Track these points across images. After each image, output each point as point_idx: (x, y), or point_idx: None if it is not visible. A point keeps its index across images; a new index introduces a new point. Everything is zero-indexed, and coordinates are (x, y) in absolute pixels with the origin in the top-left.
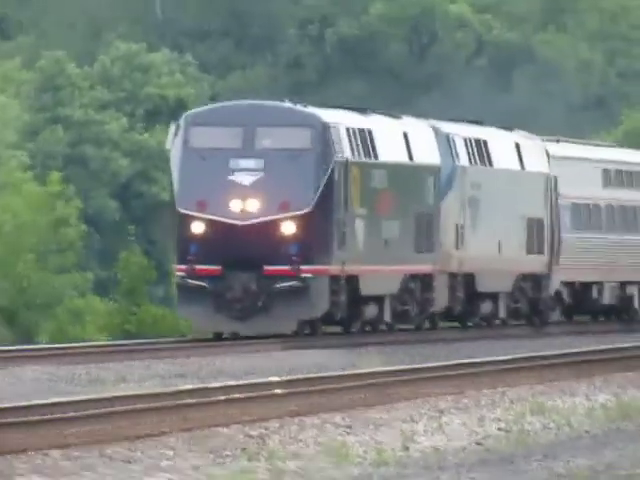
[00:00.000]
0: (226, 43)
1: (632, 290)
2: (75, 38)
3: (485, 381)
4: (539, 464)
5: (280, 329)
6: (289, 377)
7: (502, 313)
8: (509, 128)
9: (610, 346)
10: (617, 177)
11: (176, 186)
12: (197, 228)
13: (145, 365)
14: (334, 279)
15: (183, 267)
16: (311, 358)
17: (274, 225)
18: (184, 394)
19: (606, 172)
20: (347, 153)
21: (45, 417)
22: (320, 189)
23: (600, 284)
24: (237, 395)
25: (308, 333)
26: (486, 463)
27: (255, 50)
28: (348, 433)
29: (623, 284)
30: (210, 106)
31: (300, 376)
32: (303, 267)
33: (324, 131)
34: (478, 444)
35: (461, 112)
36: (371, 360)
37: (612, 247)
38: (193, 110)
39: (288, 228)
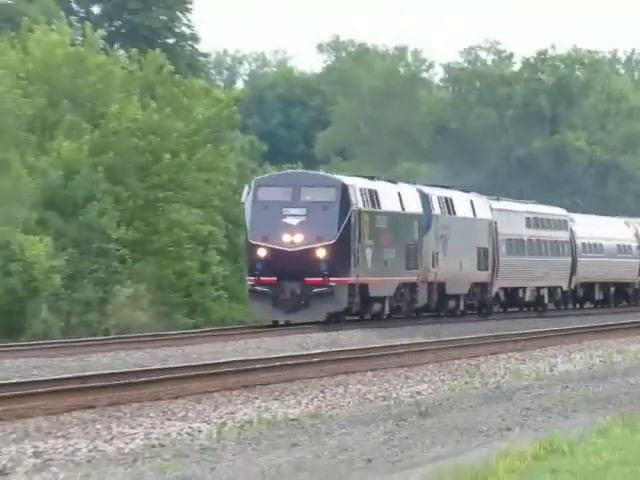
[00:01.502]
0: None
1: (543, 292)
2: (379, 160)
3: (593, 336)
4: (621, 379)
5: (315, 319)
6: (496, 333)
7: (462, 307)
8: (467, 191)
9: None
10: (534, 222)
11: (248, 225)
12: (261, 253)
13: (413, 328)
14: (351, 286)
15: (252, 278)
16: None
17: (311, 251)
18: (443, 342)
19: (528, 219)
20: (360, 205)
21: (360, 355)
22: (342, 228)
23: (524, 288)
24: (465, 343)
25: (335, 321)
26: (594, 378)
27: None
28: (522, 363)
29: (538, 288)
30: (270, 174)
31: (498, 333)
32: (331, 278)
33: (344, 190)
34: (589, 368)
35: (582, 198)
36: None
37: (530, 265)
38: (259, 176)
39: (321, 253)
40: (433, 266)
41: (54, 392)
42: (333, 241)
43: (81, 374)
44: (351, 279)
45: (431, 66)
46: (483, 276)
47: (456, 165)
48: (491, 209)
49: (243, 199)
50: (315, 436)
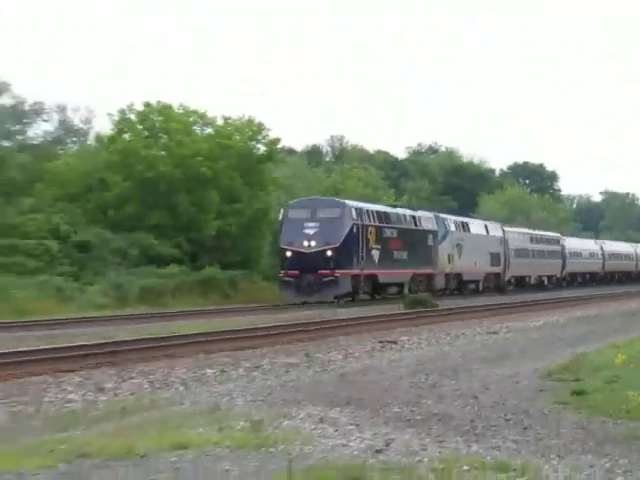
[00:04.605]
0: None
1: (543, 278)
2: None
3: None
4: None
5: (326, 299)
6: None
7: (481, 288)
8: (483, 220)
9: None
10: (535, 239)
11: (281, 235)
12: (289, 253)
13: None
14: (355, 276)
15: (282, 272)
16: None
17: (323, 252)
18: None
19: (531, 237)
20: (365, 220)
21: (578, 300)
22: (344, 235)
23: (529, 276)
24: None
25: (342, 300)
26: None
27: None
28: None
29: (540, 276)
30: (297, 199)
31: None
32: (336, 271)
33: (346, 209)
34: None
35: None
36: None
37: (532, 264)
38: (291, 201)
39: (329, 253)
40: (449, 263)
41: (475, 311)
42: (337, 244)
43: (475, 304)
44: (355, 271)
45: None
46: (496, 269)
47: None
48: (503, 231)
49: (280, 217)
50: (549, 331)
